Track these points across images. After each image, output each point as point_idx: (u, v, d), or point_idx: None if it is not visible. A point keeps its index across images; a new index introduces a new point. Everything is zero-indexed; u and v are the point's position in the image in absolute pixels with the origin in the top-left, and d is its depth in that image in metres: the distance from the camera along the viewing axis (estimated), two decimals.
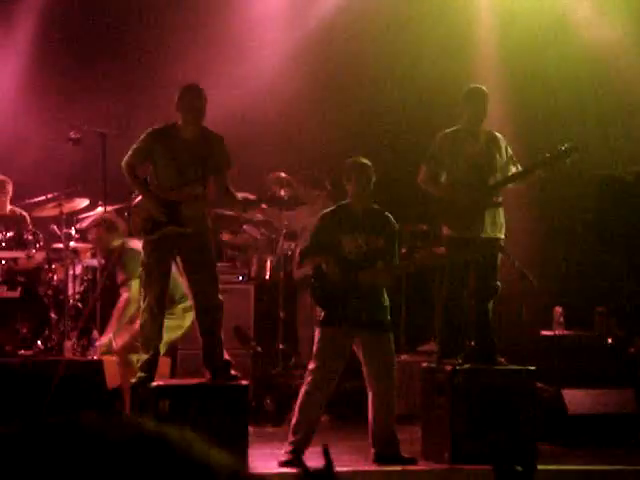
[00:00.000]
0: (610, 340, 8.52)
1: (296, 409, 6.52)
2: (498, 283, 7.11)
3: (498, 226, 7.15)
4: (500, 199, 7.21)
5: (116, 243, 8.07)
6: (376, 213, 6.72)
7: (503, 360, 7.13)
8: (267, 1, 10.38)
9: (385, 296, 6.63)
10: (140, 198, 6.67)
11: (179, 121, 6.63)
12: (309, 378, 6.50)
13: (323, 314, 6.51)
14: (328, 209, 6.87)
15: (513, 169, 7.20)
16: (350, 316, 6.47)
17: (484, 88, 7.38)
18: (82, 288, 8.92)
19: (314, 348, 6.54)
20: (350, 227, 6.55)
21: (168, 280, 6.73)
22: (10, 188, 8.99)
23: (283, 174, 9.11)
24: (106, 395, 7.81)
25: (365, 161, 6.72)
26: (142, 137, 6.64)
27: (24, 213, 8.99)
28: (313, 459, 6.51)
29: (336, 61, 10.29)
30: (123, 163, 6.64)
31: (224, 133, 6.78)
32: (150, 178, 6.65)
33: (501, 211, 7.20)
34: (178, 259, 6.74)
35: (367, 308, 6.50)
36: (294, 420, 6.48)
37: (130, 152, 6.63)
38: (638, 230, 9.51)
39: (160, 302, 6.59)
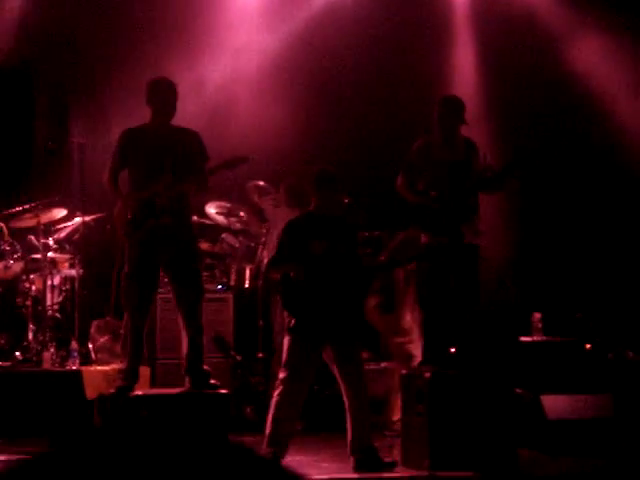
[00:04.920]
0: (588, 346, 8.56)
1: (269, 420, 6.47)
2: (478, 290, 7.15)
3: (476, 233, 7.17)
4: (477, 206, 7.24)
5: None
6: (338, 220, 6.73)
7: (483, 366, 7.15)
8: (248, 2, 10.39)
9: (357, 304, 6.61)
10: (119, 205, 6.62)
11: (149, 117, 6.62)
12: (281, 388, 6.47)
13: (293, 321, 6.49)
14: (293, 217, 6.87)
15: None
16: (320, 324, 6.47)
17: (459, 96, 7.42)
18: (60, 298, 8.89)
19: (284, 356, 6.52)
20: (316, 233, 6.57)
21: (153, 285, 6.62)
22: None
23: (262, 182, 9.10)
24: (85, 406, 7.78)
25: (332, 171, 6.72)
26: (115, 144, 6.63)
27: (1, 224, 8.93)
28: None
29: (316, 64, 10.31)
30: (105, 177, 6.60)
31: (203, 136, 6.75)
32: (127, 181, 6.61)
33: (479, 218, 7.23)
34: (164, 267, 6.68)
35: (337, 316, 6.50)
36: (268, 431, 6.44)
37: (109, 162, 6.62)
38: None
39: (142, 310, 6.55)
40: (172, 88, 6.62)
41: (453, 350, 7.18)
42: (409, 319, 7.90)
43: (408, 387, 6.85)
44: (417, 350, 7.63)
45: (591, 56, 10.15)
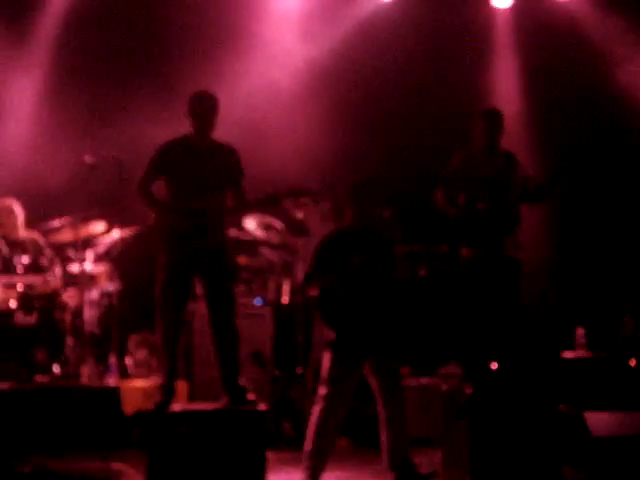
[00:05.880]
0: (633, 362, 8.44)
1: (309, 436, 6.42)
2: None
3: (518, 246, 7.10)
4: (519, 218, 7.17)
5: None
6: (375, 234, 6.65)
7: (525, 382, 7.05)
8: (288, 14, 10.39)
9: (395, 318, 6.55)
10: (157, 217, 6.56)
11: (191, 130, 6.60)
12: (321, 404, 6.41)
13: (333, 336, 6.43)
14: (328, 233, 6.80)
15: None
16: (359, 339, 6.40)
17: (499, 110, 7.39)
18: (99, 313, 8.89)
19: (323, 372, 6.45)
20: (352, 247, 6.50)
21: (187, 299, 6.60)
22: (19, 211, 8.95)
23: None
24: (124, 422, 7.76)
25: (368, 183, 6.65)
26: (154, 153, 6.60)
27: (36, 237, 8.95)
28: None
29: (356, 76, 10.29)
30: (137, 184, 6.58)
31: (238, 147, 6.73)
32: (165, 194, 6.58)
33: (520, 230, 7.15)
34: (198, 281, 6.64)
35: (376, 330, 6.43)
36: (309, 447, 6.39)
37: (144, 170, 6.58)
38: None
39: (177, 324, 6.51)
40: (214, 101, 6.63)
41: (495, 366, 7.10)
42: None
43: (449, 403, 6.78)
44: None
45: (636, 70, 10.05)
